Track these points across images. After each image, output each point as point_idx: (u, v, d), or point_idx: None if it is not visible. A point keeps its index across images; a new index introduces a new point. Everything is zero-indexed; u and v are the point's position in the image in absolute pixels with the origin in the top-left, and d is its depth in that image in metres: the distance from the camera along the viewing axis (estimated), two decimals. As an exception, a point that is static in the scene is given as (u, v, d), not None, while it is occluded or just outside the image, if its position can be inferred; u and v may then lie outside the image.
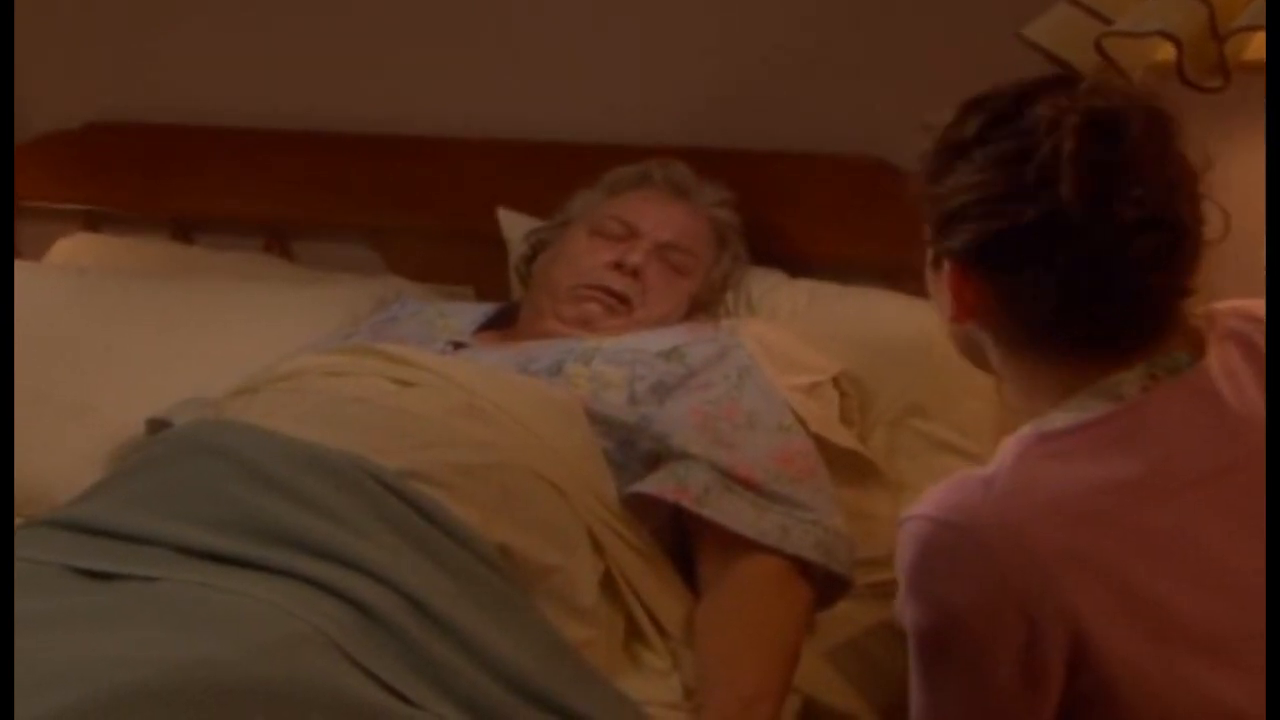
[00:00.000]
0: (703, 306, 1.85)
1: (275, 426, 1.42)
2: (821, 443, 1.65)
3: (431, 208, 2.17)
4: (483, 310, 1.88)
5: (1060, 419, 1.07)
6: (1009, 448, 1.08)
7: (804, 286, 1.93)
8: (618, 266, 1.76)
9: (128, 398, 1.78)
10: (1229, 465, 1.05)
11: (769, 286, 1.93)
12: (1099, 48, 1.37)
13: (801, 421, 1.64)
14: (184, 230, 2.34)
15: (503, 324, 1.86)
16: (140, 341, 1.93)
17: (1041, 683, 1.01)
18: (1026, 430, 1.09)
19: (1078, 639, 1.01)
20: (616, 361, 1.63)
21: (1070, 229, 1.03)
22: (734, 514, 1.45)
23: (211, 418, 1.54)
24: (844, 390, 1.78)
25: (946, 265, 1.10)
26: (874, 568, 1.55)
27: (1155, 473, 1.04)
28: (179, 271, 2.16)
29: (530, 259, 1.91)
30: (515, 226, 2.03)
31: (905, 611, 1.07)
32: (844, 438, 1.71)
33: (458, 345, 1.75)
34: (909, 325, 1.80)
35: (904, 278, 1.88)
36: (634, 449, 1.53)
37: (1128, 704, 1.01)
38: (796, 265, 1.99)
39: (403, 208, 2.19)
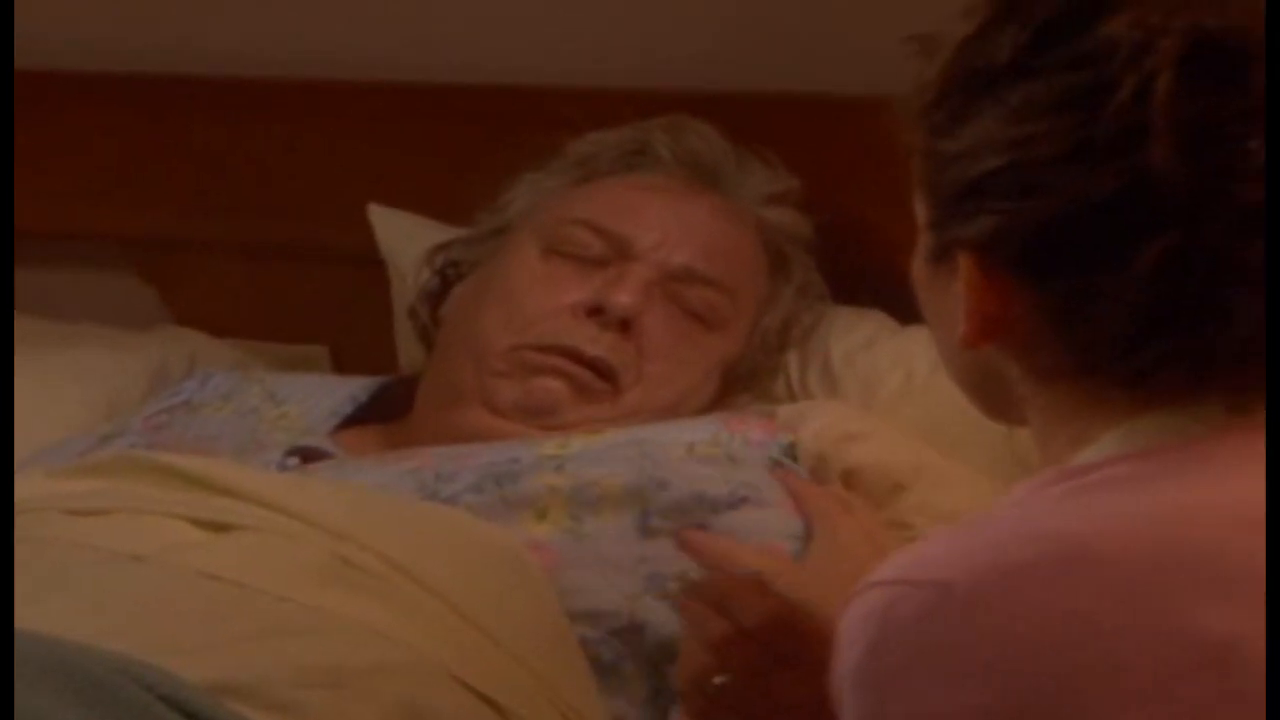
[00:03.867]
0: (745, 381, 1.88)
1: (-13, 607, 1.42)
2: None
3: (249, 203, 2.20)
4: (349, 390, 1.91)
5: (1091, 453, 1.20)
6: (1014, 490, 1.23)
7: (925, 340, 1.93)
8: (595, 312, 1.78)
9: None
10: None
11: (862, 341, 1.95)
12: None
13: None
14: None
15: (387, 414, 1.88)
16: None
17: None
18: (1044, 472, 1.24)
19: None
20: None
21: (1165, 212, 1.14)
22: None
23: None
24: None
25: (961, 262, 1.22)
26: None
27: (1218, 505, 1.14)
28: None
29: (438, 297, 1.93)
30: (404, 238, 2.06)
31: None
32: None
33: (308, 455, 1.77)
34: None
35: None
36: (638, 639, 1.56)
37: None
38: (911, 303, 1.99)
39: (197, 204, 2.22)
